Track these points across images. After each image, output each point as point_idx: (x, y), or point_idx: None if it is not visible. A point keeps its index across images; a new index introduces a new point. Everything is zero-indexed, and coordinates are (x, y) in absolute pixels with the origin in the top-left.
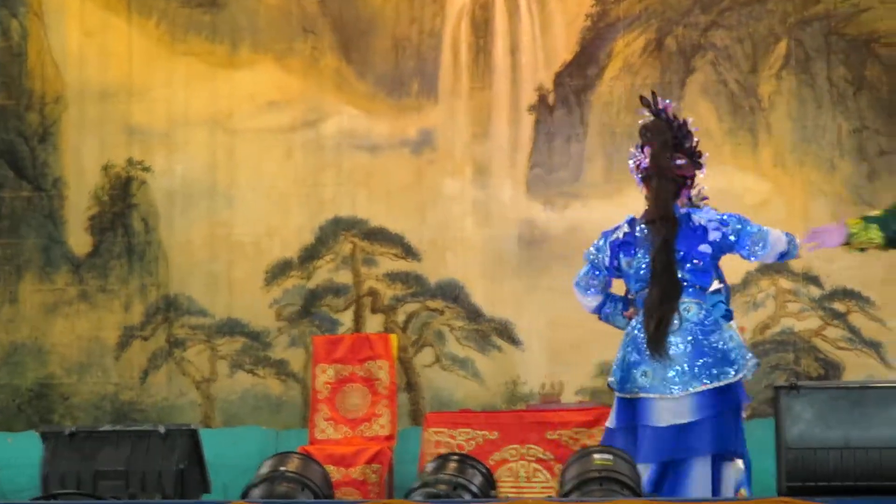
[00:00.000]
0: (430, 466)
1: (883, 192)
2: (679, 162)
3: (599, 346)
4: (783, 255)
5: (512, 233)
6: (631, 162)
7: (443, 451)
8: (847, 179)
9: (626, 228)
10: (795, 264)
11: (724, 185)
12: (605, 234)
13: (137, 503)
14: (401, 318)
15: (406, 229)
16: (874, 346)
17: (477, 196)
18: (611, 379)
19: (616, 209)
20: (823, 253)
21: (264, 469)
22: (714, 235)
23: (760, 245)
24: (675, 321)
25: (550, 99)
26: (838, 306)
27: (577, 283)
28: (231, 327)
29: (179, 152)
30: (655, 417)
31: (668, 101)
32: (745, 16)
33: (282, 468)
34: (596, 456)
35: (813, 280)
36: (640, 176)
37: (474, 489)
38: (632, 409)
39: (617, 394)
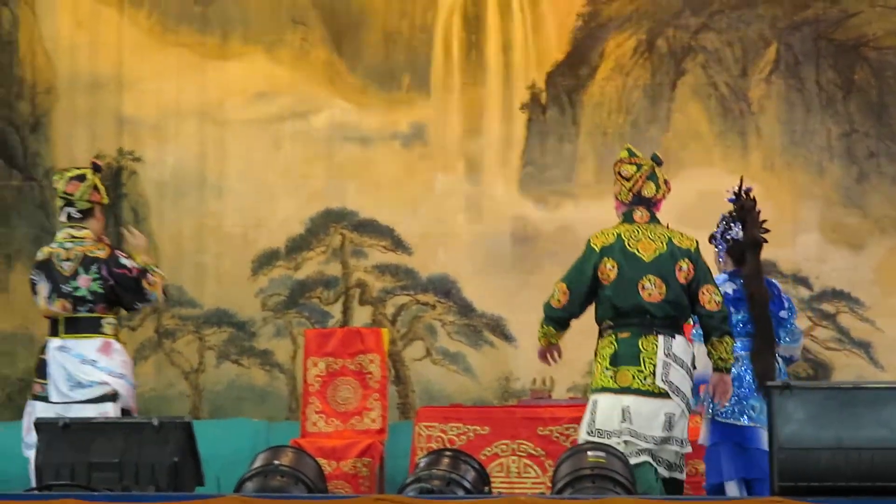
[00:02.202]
0: (423, 461)
1: (872, 194)
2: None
3: (590, 344)
4: (789, 360)
5: (504, 229)
6: (718, 231)
7: (434, 445)
8: (836, 182)
9: (733, 285)
10: (785, 265)
11: (712, 188)
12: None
13: (131, 495)
14: (390, 310)
15: (396, 222)
16: (863, 347)
17: (469, 192)
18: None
19: (607, 209)
20: (814, 254)
21: (258, 462)
22: (785, 313)
23: (792, 338)
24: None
25: (542, 98)
26: (827, 307)
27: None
28: (219, 317)
29: (170, 143)
30: (762, 443)
31: (749, 187)
32: (735, 19)
33: (275, 462)
34: (589, 453)
35: (802, 281)
36: (726, 244)
37: (467, 485)
38: (729, 431)
39: (716, 418)
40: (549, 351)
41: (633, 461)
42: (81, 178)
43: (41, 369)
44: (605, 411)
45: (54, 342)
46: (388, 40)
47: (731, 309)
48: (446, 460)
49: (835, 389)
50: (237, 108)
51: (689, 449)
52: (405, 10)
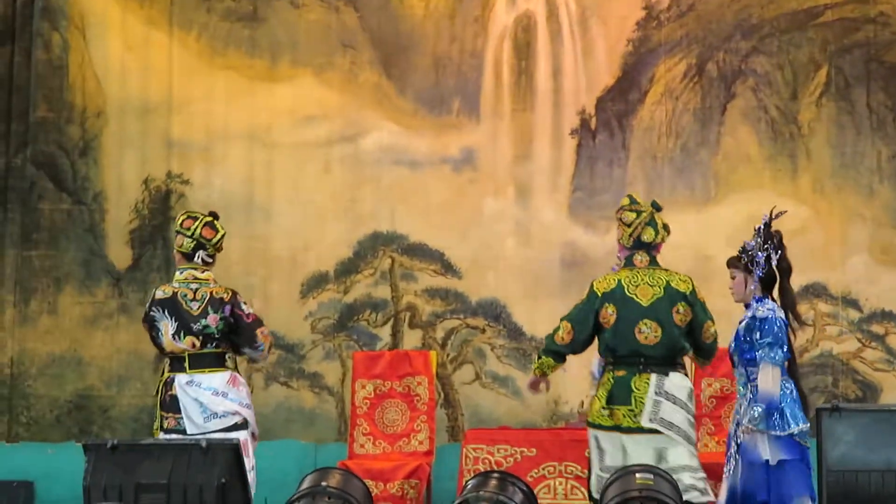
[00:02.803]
0: (471, 483)
1: None
2: None
3: None
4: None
5: (553, 254)
6: (760, 257)
7: (481, 467)
8: (886, 204)
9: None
10: (835, 287)
11: (762, 211)
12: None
13: None
14: (440, 334)
15: (446, 246)
16: None
17: (519, 216)
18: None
19: None
20: (864, 275)
21: (306, 484)
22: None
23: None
24: None
25: (592, 123)
26: (877, 328)
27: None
28: None
29: (218, 165)
30: None
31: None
32: (785, 42)
33: (323, 483)
34: (637, 475)
35: (852, 303)
36: (764, 272)
37: None
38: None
39: (796, 437)
40: (542, 381)
41: None
42: (213, 225)
43: (172, 404)
44: (609, 450)
45: (182, 377)
46: (437, 65)
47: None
48: (494, 482)
49: (884, 412)
50: (285, 130)
51: (703, 474)
52: (455, 35)
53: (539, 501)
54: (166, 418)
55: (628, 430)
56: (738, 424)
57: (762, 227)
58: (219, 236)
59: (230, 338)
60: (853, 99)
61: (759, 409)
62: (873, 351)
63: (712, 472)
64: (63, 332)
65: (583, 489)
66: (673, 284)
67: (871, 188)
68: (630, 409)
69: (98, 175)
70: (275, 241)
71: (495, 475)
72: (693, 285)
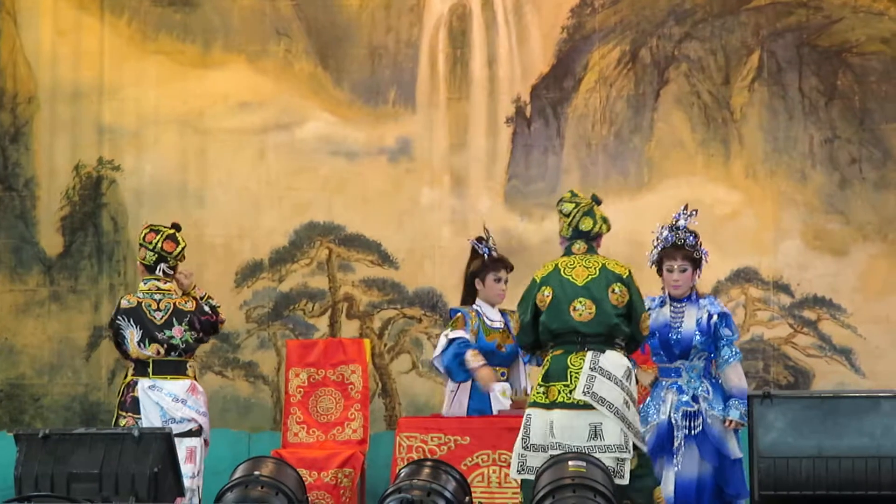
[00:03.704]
0: (403, 472)
1: (854, 200)
2: None
3: None
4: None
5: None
6: (705, 252)
7: (415, 456)
8: (819, 189)
9: None
10: (766, 272)
11: (696, 197)
12: None
13: None
14: (377, 324)
15: (383, 237)
16: (844, 354)
17: (454, 205)
18: None
19: None
20: (796, 261)
21: (238, 473)
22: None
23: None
24: None
25: (527, 111)
26: (809, 314)
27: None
28: None
29: (150, 151)
30: None
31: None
32: (718, 27)
33: (256, 472)
34: (570, 463)
35: (784, 288)
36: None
37: (448, 495)
38: None
39: None
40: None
41: None
42: (175, 238)
43: (132, 405)
44: (537, 427)
45: (145, 381)
46: (373, 55)
47: None
48: (427, 470)
49: (815, 398)
50: (219, 117)
51: (628, 455)
52: (391, 26)
53: (472, 489)
54: (124, 418)
55: (562, 406)
56: (691, 416)
57: (685, 220)
58: (179, 248)
59: (199, 343)
60: (786, 83)
61: (743, 406)
62: (805, 336)
63: None
64: None
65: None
66: (609, 267)
67: (803, 173)
68: (565, 384)
69: (29, 161)
70: (208, 229)
71: (428, 463)
72: (630, 272)
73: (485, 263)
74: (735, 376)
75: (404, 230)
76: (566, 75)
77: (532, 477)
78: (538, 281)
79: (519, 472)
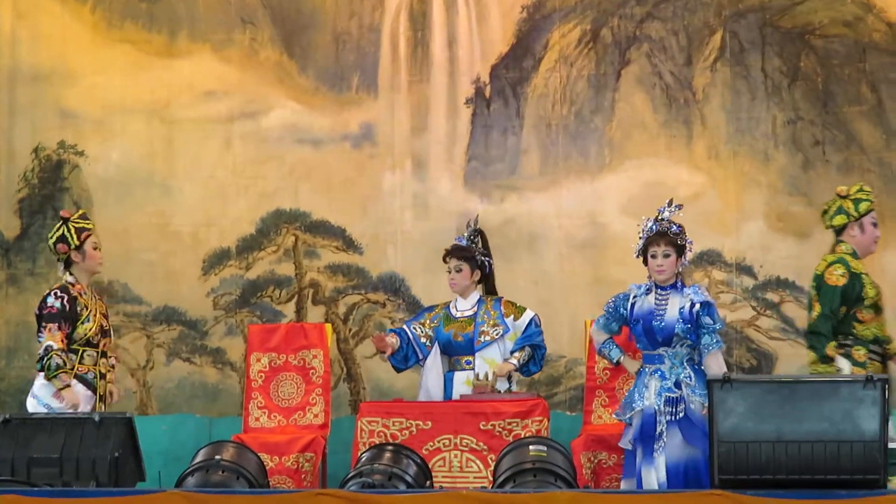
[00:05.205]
0: (364, 456)
1: (817, 181)
2: None
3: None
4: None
5: (450, 226)
6: (690, 242)
7: (376, 440)
8: (782, 170)
9: None
10: (729, 254)
11: (657, 178)
12: None
13: (72, 491)
14: (342, 309)
15: (347, 223)
16: None
17: (416, 189)
18: None
19: (551, 202)
20: (758, 242)
21: (199, 457)
22: None
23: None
24: None
25: (487, 91)
26: (772, 296)
27: None
28: (168, 315)
29: (115, 139)
30: None
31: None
32: (680, 8)
33: (217, 457)
34: (531, 447)
35: (746, 270)
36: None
37: (409, 479)
38: None
39: None
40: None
41: None
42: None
43: None
44: None
45: None
46: (337, 41)
47: None
48: (388, 455)
49: (775, 383)
50: (185, 106)
51: None
52: (354, 11)
53: (433, 474)
54: None
55: None
56: (674, 402)
57: (669, 213)
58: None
59: None
60: (748, 64)
61: None
62: (768, 319)
63: (605, 443)
64: None
65: (478, 462)
66: None
67: (766, 154)
68: None
69: None
70: (176, 217)
71: (389, 448)
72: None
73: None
74: (715, 364)
75: (367, 216)
76: (526, 55)
77: None
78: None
79: None
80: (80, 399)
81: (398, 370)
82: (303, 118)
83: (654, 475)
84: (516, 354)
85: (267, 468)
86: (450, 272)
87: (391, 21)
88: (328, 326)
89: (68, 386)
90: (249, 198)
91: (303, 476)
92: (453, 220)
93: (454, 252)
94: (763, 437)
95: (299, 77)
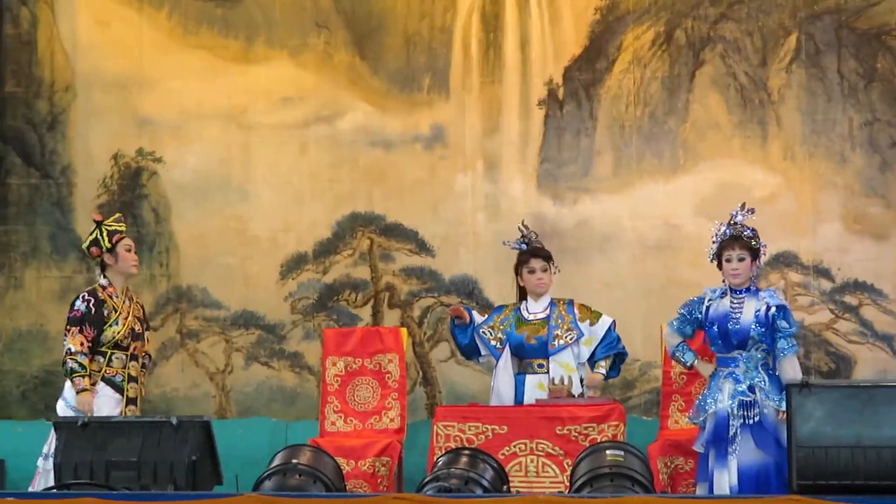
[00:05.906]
0: (441, 460)
1: (895, 184)
2: None
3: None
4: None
5: None
6: (765, 246)
7: (452, 445)
8: (858, 172)
9: None
10: (806, 256)
11: (732, 180)
12: None
13: (149, 494)
14: (416, 313)
15: (420, 225)
16: (887, 340)
17: (488, 191)
18: None
19: (624, 203)
20: (836, 244)
21: (276, 461)
22: None
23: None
24: None
25: (560, 93)
26: (850, 299)
27: None
28: (246, 320)
29: (192, 145)
30: None
31: None
32: (754, 9)
33: (294, 460)
34: (608, 452)
35: (824, 273)
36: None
37: (486, 484)
38: None
39: None
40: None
41: None
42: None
43: None
44: None
45: None
46: (408, 43)
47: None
48: (465, 459)
49: (853, 388)
50: (261, 112)
51: None
52: (425, 12)
53: (510, 479)
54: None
55: None
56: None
57: (742, 217)
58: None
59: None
60: (824, 65)
61: None
62: (846, 322)
63: (681, 448)
64: (29, 307)
65: (554, 467)
66: None
67: (842, 155)
68: None
69: (66, 149)
70: (253, 222)
71: (466, 452)
72: None
73: (519, 259)
74: (790, 368)
75: (439, 218)
76: (599, 56)
77: None
78: None
79: None
80: (91, 406)
81: (460, 345)
82: (375, 120)
83: (726, 478)
84: (602, 364)
85: (343, 472)
86: (534, 272)
87: (463, 22)
88: (403, 330)
89: (85, 390)
90: (325, 201)
91: (379, 480)
92: (525, 221)
93: (540, 252)
94: (842, 443)
95: (371, 79)
